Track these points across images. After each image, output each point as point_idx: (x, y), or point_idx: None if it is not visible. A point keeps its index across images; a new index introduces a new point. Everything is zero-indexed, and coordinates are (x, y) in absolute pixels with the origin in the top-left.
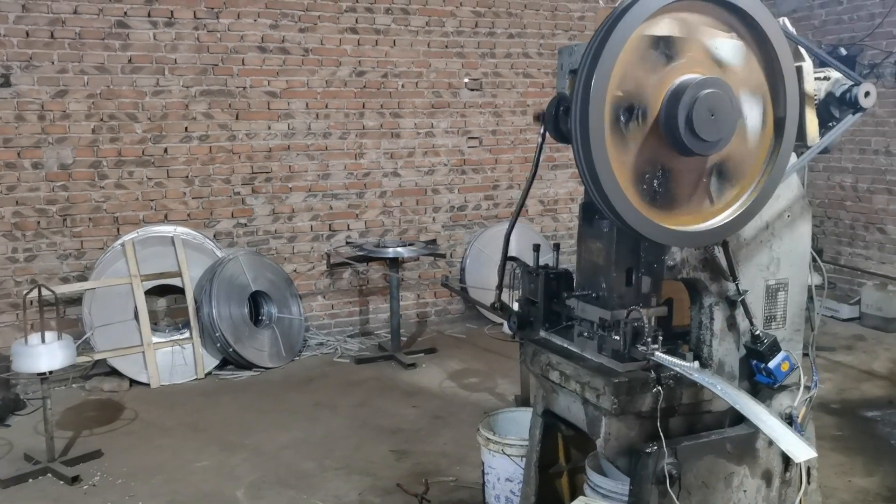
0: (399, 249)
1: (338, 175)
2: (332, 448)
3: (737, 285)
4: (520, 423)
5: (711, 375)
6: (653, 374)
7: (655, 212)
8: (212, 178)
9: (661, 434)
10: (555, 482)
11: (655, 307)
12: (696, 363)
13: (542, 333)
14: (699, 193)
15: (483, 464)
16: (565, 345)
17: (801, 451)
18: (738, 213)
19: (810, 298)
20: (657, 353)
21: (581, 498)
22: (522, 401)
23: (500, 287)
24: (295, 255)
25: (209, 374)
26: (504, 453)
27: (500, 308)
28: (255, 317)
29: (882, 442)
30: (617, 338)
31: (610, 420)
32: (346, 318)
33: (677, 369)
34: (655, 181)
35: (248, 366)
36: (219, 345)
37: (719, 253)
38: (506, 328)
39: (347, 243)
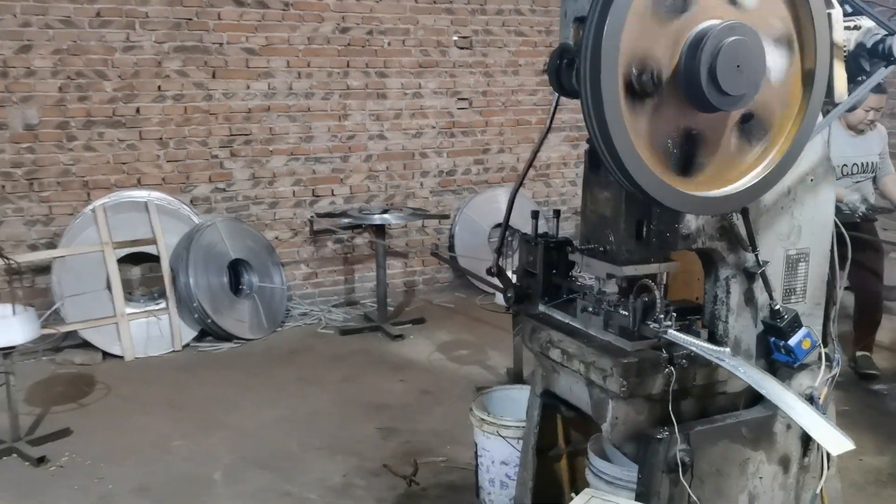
0: (386, 216)
1: (321, 138)
2: (315, 426)
3: (756, 256)
4: (515, 402)
5: (736, 358)
6: (664, 354)
7: (672, 175)
8: (187, 140)
9: (673, 418)
10: (553, 466)
11: (668, 262)
12: (728, 349)
13: (542, 308)
14: (720, 155)
15: (476, 445)
16: (567, 321)
17: (837, 443)
18: (762, 176)
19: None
20: (671, 331)
21: (587, 490)
22: (515, 374)
23: (499, 250)
24: (276, 222)
25: (187, 346)
26: (499, 435)
27: (497, 274)
28: (235, 286)
29: (892, 418)
30: (625, 313)
31: (617, 403)
32: (331, 288)
33: (700, 351)
34: (671, 141)
35: (228, 337)
36: (196, 315)
37: (738, 221)
38: (499, 299)
39: (331, 215)
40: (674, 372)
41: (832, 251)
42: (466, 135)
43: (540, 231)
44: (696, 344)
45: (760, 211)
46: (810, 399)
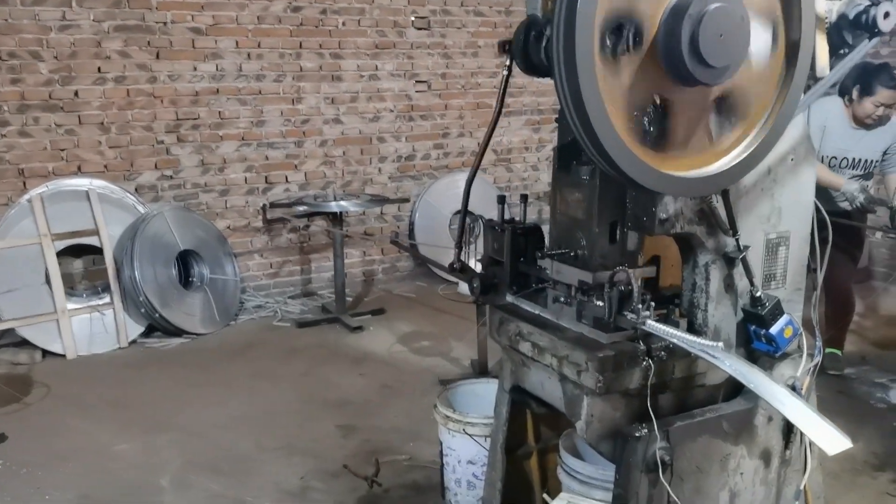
0: (342, 203)
1: (274, 122)
2: (271, 425)
3: (737, 240)
4: (481, 397)
5: (729, 354)
6: (642, 346)
7: (650, 155)
8: (131, 125)
9: (652, 414)
10: (523, 464)
11: (643, 266)
12: (720, 343)
13: (510, 298)
14: (700, 132)
15: (441, 444)
16: (537, 311)
17: (834, 442)
18: (745, 155)
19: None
20: (649, 321)
21: (563, 496)
22: (480, 366)
23: (459, 244)
24: (228, 211)
25: (134, 342)
26: (465, 433)
27: (461, 270)
28: (185, 278)
29: (861, 402)
30: (600, 303)
31: (592, 400)
32: (287, 278)
33: (689, 346)
34: (648, 118)
35: (178, 332)
36: (143, 310)
37: (718, 203)
38: (462, 288)
39: (285, 205)
40: (652, 365)
41: (813, 234)
42: (425, 118)
43: (506, 217)
44: (686, 338)
45: (740, 192)
46: (792, 390)
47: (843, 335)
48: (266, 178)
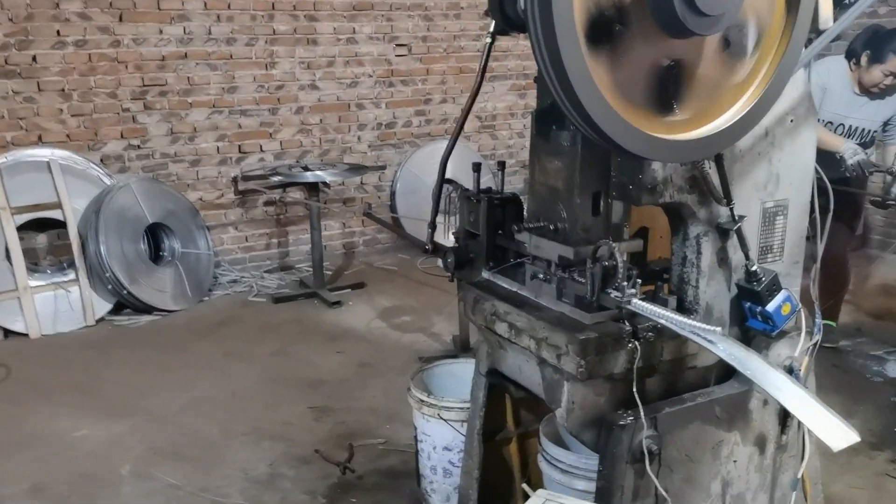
0: (319, 173)
1: (246, 88)
2: (240, 408)
3: (731, 210)
4: (459, 378)
5: (727, 340)
6: (627, 326)
7: (637, 115)
8: (94, 91)
9: (638, 400)
10: (502, 450)
11: (629, 240)
12: (719, 328)
13: (486, 274)
14: (692, 90)
15: (416, 429)
16: (515, 289)
17: (840, 436)
18: (741, 115)
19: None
20: (635, 300)
21: (540, 492)
22: (461, 343)
23: (432, 224)
24: (200, 182)
25: (101, 320)
26: (441, 418)
27: (434, 251)
28: (156, 253)
29: (856, 377)
30: (582, 280)
31: (574, 386)
32: (263, 252)
33: (681, 329)
34: (637, 73)
35: (148, 309)
36: (110, 287)
37: (710, 169)
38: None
39: (257, 178)
40: (639, 347)
41: (812, 202)
42: (406, 84)
43: (483, 186)
44: (677, 320)
45: (735, 157)
46: (790, 371)
47: (838, 306)
48: (239, 147)
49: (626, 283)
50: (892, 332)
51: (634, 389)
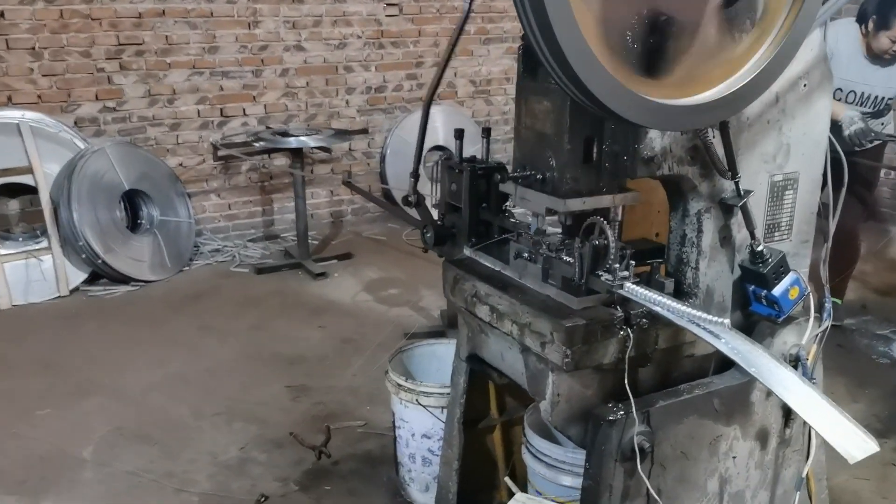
0: (303, 138)
1: (228, 48)
2: (214, 386)
3: (737, 184)
4: (442, 360)
5: (734, 334)
6: (619, 312)
7: (633, 78)
8: (66, 50)
9: (630, 393)
10: (484, 439)
11: (624, 192)
12: (727, 319)
13: (467, 251)
14: (696, 49)
15: (394, 415)
16: (498, 269)
17: (858, 446)
18: (751, 77)
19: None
20: (629, 284)
21: (518, 497)
22: (449, 318)
23: (415, 173)
24: (180, 147)
25: (76, 290)
26: (419, 404)
27: (416, 204)
28: (133, 221)
29: (861, 358)
30: (569, 259)
31: (559, 377)
32: (247, 220)
33: (679, 319)
34: (631, 31)
35: (125, 279)
36: (84, 256)
37: (714, 139)
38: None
39: (237, 144)
40: (631, 335)
41: (825, 175)
42: (397, 46)
43: (468, 155)
44: (678, 309)
45: (742, 126)
46: (796, 360)
47: (845, 283)
48: (221, 110)
49: (618, 265)
50: None
51: (626, 381)
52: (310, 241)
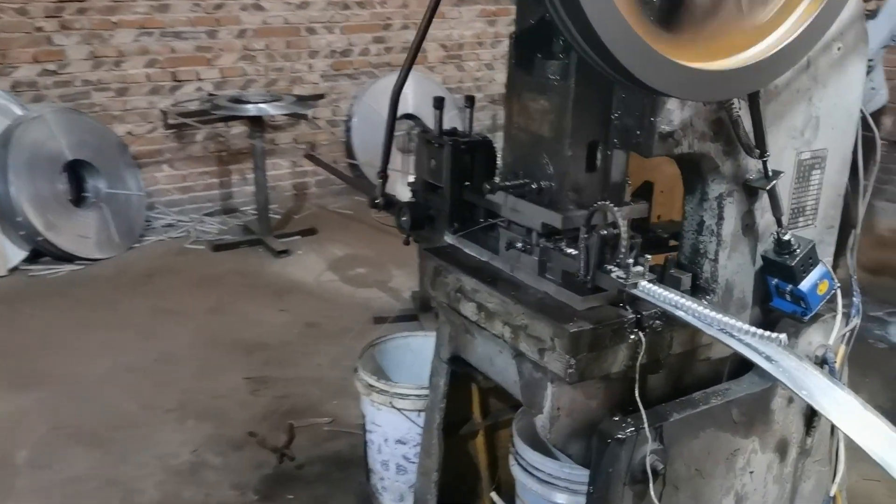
0: (263, 106)
1: (179, 7)
2: (166, 378)
3: (765, 163)
4: (418, 354)
5: (796, 357)
6: (630, 313)
7: (655, 36)
8: (0, 8)
9: (641, 407)
10: (467, 445)
11: (633, 203)
12: (784, 335)
13: (449, 238)
14: (728, 3)
15: (364, 417)
16: (486, 259)
17: None
18: (794, 36)
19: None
20: (644, 283)
21: None
22: (422, 300)
23: (383, 173)
24: (128, 113)
25: (15, 269)
26: (393, 407)
27: (385, 206)
28: (78, 194)
29: (858, 342)
30: (572, 252)
31: (560, 388)
32: (203, 193)
33: (719, 334)
34: None
35: (69, 258)
36: (23, 232)
37: (741, 111)
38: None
39: (193, 112)
40: (643, 340)
41: (856, 152)
42: (363, 6)
43: (447, 127)
44: (725, 323)
45: (769, 96)
46: (822, 362)
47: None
48: (174, 74)
49: (630, 261)
50: (891, 290)
51: (636, 393)
52: (271, 215)
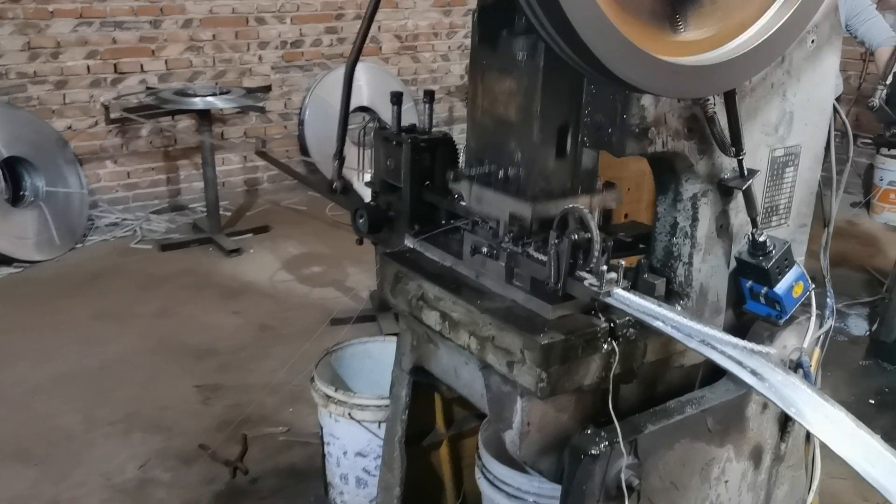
0: (210, 99)
1: None
2: (110, 387)
3: (740, 161)
4: (375, 360)
5: (775, 365)
6: (602, 321)
7: (631, 26)
8: None
9: (616, 421)
10: (430, 456)
11: (604, 191)
12: (772, 348)
13: (410, 242)
14: None
15: (322, 429)
16: (449, 264)
17: None
18: (778, 26)
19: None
20: (618, 291)
21: None
22: (380, 301)
23: (339, 154)
24: (68, 107)
25: None
26: (352, 418)
27: (343, 191)
28: (14, 192)
29: (841, 350)
30: (541, 257)
31: (530, 403)
32: (149, 190)
33: (720, 359)
34: None
35: (6, 260)
36: None
37: (717, 107)
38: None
39: (135, 109)
40: (617, 349)
41: (828, 147)
42: None
43: (406, 123)
44: (714, 336)
45: (744, 91)
46: (797, 366)
47: None
48: (115, 66)
49: (603, 267)
50: (849, 282)
51: (610, 405)
52: (221, 212)
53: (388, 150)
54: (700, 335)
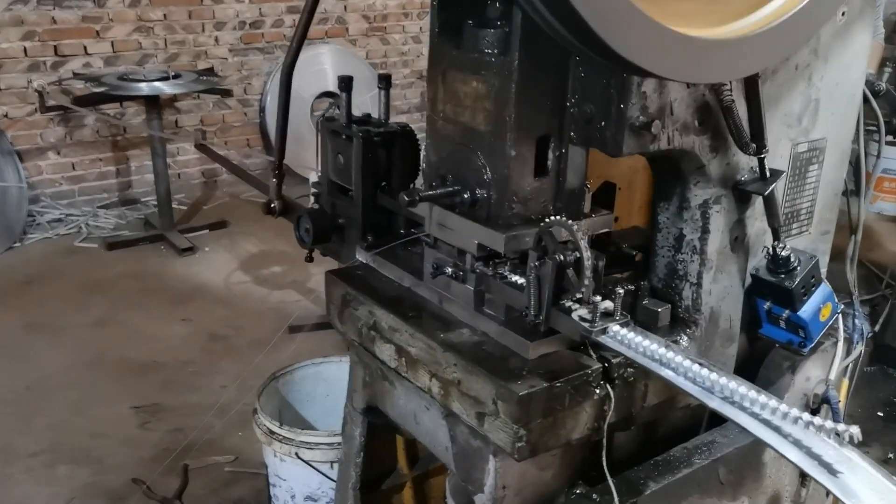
0: (158, 84)
1: None
2: (35, 411)
3: (761, 160)
4: (330, 383)
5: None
6: (594, 361)
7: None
8: None
9: (612, 483)
10: (392, 500)
11: (595, 215)
12: (856, 428)
13: (362, 257)
14: None
15: (266, 468)
16: (408, 284)
17: None
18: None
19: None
20: (615, 328)
21: None
22: None
23: (278, 169)
24: (4, 93)
25: None
26: (300, 458)
27: (282, 213)
28: None
29: None
30: (518, 280)
31: (506, 464)
32: (97, 183)
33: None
34: None
35: None
36: None
37: (735, 93)
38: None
39: (76, 75)
40: (612, 394)
41: (859, 141)
42: None
43: (361, 113)
44: (745, 395)
45: (765, 75)
46: (825, 402)
47: None
48: (55, 48)
49: (597, 298)
50: (845, 278)
51: (604, 461)
52: (176, 206)
53: (336, 144)
54: (723, 389)
